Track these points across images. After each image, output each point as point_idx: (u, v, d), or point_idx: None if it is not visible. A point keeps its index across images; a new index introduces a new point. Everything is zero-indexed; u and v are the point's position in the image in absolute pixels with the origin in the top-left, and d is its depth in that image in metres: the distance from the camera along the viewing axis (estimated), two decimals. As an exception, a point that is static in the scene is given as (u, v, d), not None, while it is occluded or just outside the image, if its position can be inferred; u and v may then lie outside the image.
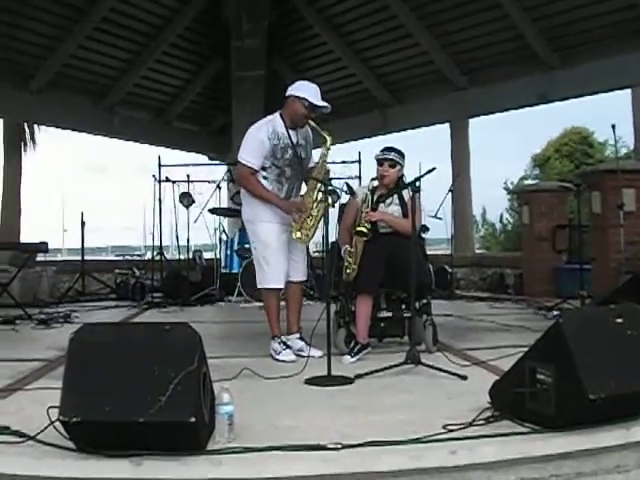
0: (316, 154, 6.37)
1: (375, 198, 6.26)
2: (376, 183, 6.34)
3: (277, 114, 6.24)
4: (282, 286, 6.23)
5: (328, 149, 6.17)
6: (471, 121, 16.28)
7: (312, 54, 16.54)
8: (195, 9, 15.30)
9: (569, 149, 22.74)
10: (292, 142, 6.13)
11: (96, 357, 3.25)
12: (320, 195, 5.92)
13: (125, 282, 12.88)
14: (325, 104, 6.10)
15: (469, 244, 16.58)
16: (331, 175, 6.51)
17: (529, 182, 21.76)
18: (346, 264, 6.09)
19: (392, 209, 6.29)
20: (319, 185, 5.91)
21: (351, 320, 6.21)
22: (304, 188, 6.31)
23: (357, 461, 3.18)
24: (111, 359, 3.23)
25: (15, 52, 13.51)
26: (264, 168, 6.12)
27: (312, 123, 6.11)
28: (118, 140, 17.09)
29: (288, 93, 6.19)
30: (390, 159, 6.24)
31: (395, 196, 6.31)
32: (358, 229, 6.00)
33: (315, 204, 6.01)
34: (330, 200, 5.81)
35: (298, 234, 6.05)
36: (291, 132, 6.15)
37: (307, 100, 6.04)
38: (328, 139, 6.09)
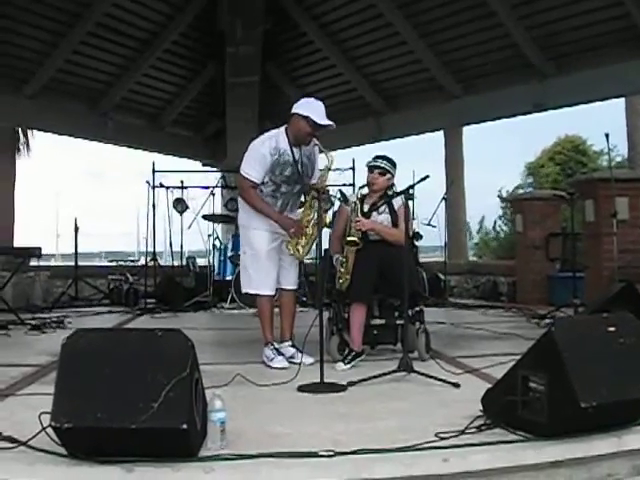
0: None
1: (366, 207, 6.26)
2: (365, 191, 6.35)
3: (282, 129, 6.21)
4: (272, 293, 6.23)
5: (329, 169, 6.15)
6: (465, 129, 16.28)
7: (307, 61, 16.53)
8: (190, 15, 15.29)
9: (563, 158, 22.74)
10: (294, 159, 6.11)
11: (88, 363, 3.24)
12: (315, 214, 5.89)
13: (118, 288, 12.86)
14: (330, 123, 6.03)
15: (463, 252, 16.58)
16: (328, 192, 6.49)
17: (522, 191, 21.79)
18: (338, 274, 6.09)
19: (382, 218, 6.29)
20: (315, 204, 5.88)
21: (344, 327, 6.21)
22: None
23: (349, 468, 3.18)
24: (103, 365, 3.22)
25: (9, 57, 13.47)
26: (262, 182, 6.13)
27: (316, 141, 6.08)
28: (114, 146, 17.08)
29: (293, 111, 6.14)
30: (380, 167, 6.25)
31: (385, 204, 6.31)
32: (349, 239, 5.99)
33: (312, 223, 6.01)
34: (327, 220, 5.82)
35: (292, 250, 6.08)
36: (294, 149, 6.12)
37: (311, 119, 6.00)
38: (330, 159, 6.04)
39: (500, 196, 22.68)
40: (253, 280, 6.25)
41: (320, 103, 6.16)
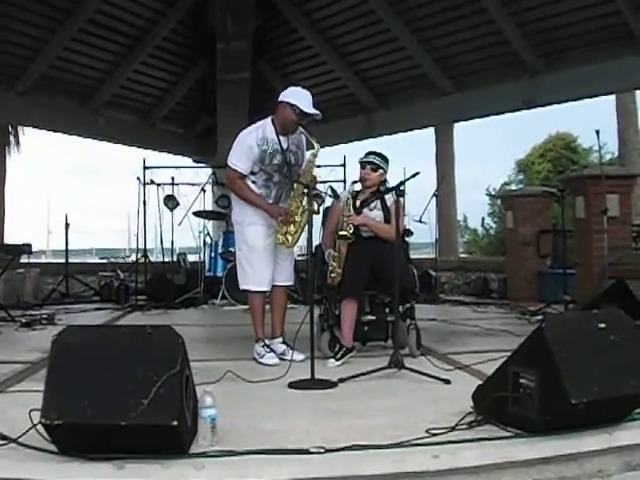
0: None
1: (358, 202, 6.27)
2: (357, 187, 6.35)
3: (269, 119, 6.21)
4: (267, 289, 6.23)
5: (315, 156, 6.17)
6: (456, 125, 16.29)
7: (297, 57, 16.52)
8: (181, 11, 15.27)
9: (554, 154, 22.80)
10: (282, 148, 6.11)
11: (79, 359, 3.24)
12: (305, 201, 5.90)
13: (109, 284, 12.86)
14: (316, 112, 6.06)
15: (453, 248, 16.59)
16: (317, 180, 6.49)
17: (513, 187, 21.84)
18: (330, 268, 6.09)
19: (375, 214, 6.30)
20: (305, 191, 5.89)
21: (335, 323, 6.21)
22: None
23: (340, 465, 3.18)
24: (94, 362, 3.22)
25: (0, 53, 13.44)
26: (253, 173, 6.13)
27: (302, 129, 6.10)
28: (105, 142, 17.05)
29: (280, 99, 6.15)
30: (372, 162, 6.26)
31: (378, 201, 6.31)
32: (341, 233, 6.00)
33: (300, 210, 6.01)
34: (315, 206, 5.81)
35: (282, 239, 6.06)
36: (282, 138, 6.12)
37: (298, 107, 6.01)
38: (316, 147, 6.09)
39: (489, 194, 22.76)
40: (249, 276, 6.24)
41: (307, 92, 6.17)
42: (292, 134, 6.19)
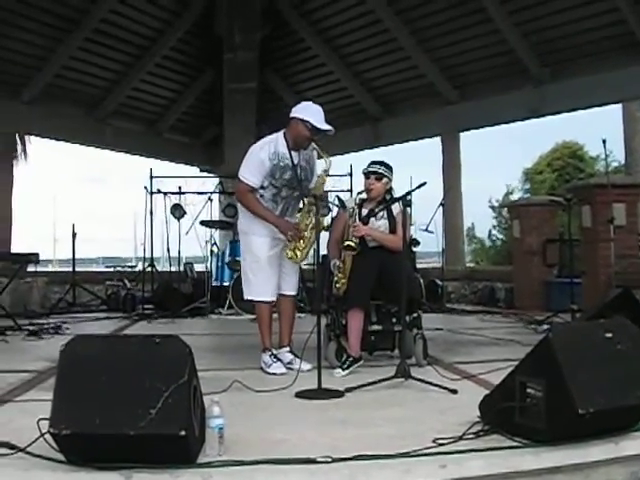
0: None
1: (364, 212, 6.26)
2: (363, 196, 6.34)
3: (281, 134, 6.20)
4: (271, 299, 6.21)
5: (327, 172, 6.17)
6: (463, 134, 16.28)
7: (304, 67, 16.58)
8: (188, 21, 15.34)
9: (561, 163, 22.78)
10: (293, 163, 6.09)
11: (87, 369, 3.24)
12: (313, 219, 5.89)
13: (116, 293, 12.88)
14: (329, 127, 6.02)
15: (460, 258, 16.57)
16: (324, 190, 6.48)
17: (518, 197, 21.83)
18: (336, 278, 6.09)
19: (380, 224, 6.29)
20: (314, 209, 5.88)
21: (342, 333, 6.20)
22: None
23: (347, 475, 3.18)
24: (102, 371, 3.22)
25: (7, 62, 13.49)
26: (262, 187, 6.10)
27: (314, 145, 6.09)
28: (112, 151, 17.08)
29: (292, 115, 6.13)
30: (376, 172, 6.24)
31: (384, 210, 6.31)
32: (346, 244, 5.99)
33: (310, 226, 6.01)
34: (325, 222, 5.81)
35: (290, 254, 6.06)
36: (293, 153, 6.11)
37: (311, 123, 6.00)
38: (328, 162, 6.08)
39: (492, 206, 22.74)
40: (253, 286, 6.24)
41: (319, 107, 6.16)
42: (304, 149, 6.19)
